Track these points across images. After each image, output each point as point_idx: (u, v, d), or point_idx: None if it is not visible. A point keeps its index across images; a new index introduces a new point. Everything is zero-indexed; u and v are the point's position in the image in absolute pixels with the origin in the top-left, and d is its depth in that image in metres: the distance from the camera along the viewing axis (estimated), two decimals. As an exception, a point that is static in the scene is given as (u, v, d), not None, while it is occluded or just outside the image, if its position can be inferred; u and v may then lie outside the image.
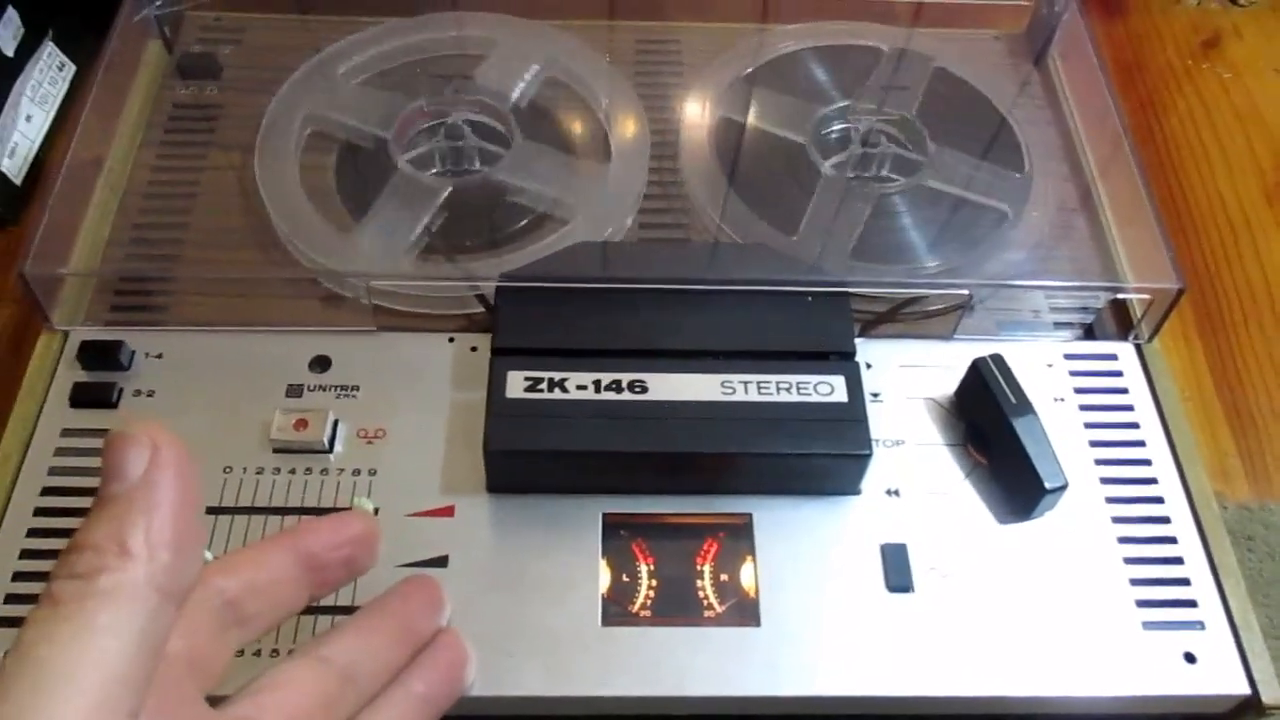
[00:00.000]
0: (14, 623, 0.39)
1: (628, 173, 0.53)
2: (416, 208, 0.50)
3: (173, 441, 0.26)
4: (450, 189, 0.51)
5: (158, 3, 0.57)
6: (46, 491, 0.42)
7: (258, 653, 0.38)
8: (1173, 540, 0.43)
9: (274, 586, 0.31)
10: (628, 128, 0.55)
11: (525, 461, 0.41)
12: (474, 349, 0.46)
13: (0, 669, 0.23)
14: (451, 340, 0.46)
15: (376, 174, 0.51)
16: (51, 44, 0.61)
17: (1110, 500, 0.44)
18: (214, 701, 0.29)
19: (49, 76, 0.61)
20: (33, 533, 0.41)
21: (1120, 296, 0.49)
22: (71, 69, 0.63)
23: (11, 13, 0.58)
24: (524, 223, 0.51)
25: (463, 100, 0.54)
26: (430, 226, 0.50)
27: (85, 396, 0.44)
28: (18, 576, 0.40)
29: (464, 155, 0.53)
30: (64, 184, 0.48)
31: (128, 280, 0.49)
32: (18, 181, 0.58)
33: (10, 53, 0.58)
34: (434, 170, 0.53)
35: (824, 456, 0.41)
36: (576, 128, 0.56)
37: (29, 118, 0.59)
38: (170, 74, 0.57)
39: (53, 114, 0.61)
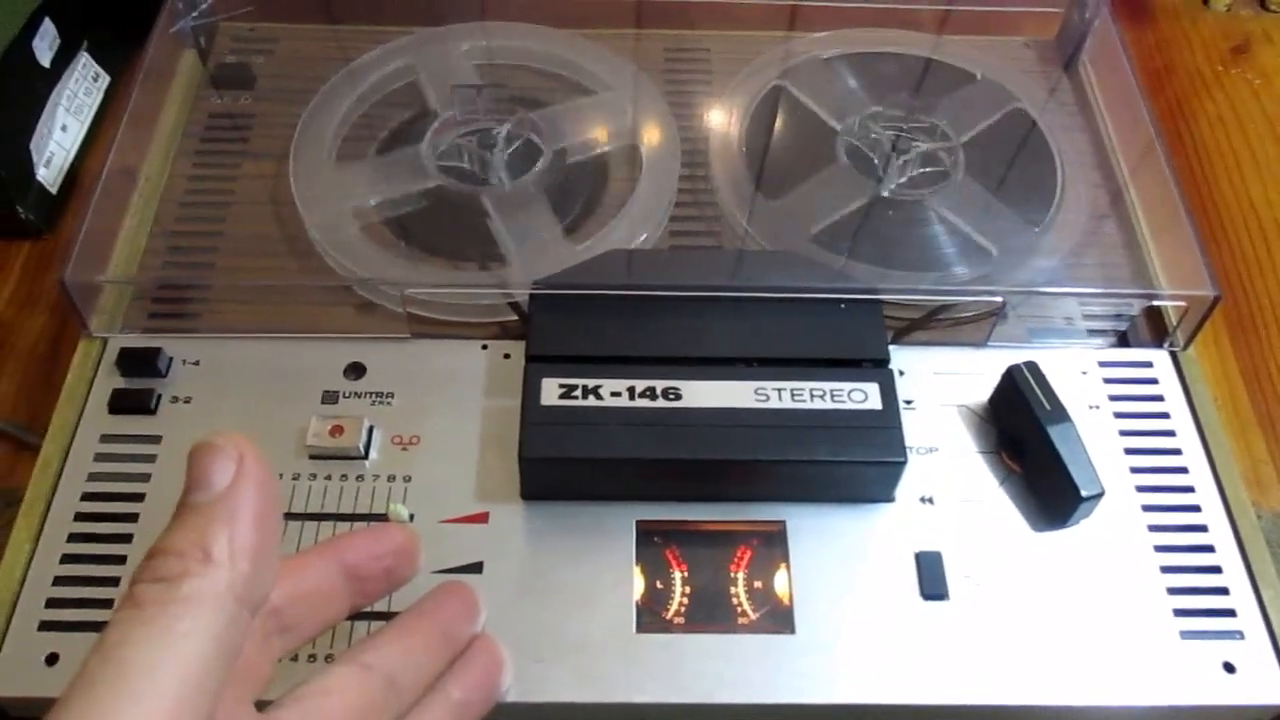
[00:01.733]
0: (57, 626, 0.39)
1: (658, 180, 0.53)
2: (537, 206, 0.51)
3: (257, 454, 0.27)
4: (437, 184, 0.51)
5: (193, 14, 0.58)
6: (87, 497, 0.42)
7: (294, 658, 0.39)
8: (1210, 549, 0.43)
9: (317, 596, 0.32)
10: (657, 136, 0.55)
11: (560, 468, 0.41)
12: (507, 356, 0.46)
13: (83, 667, 0.24)
14: (485, 347, 0.47)
15: (454, 212, 0.51)
16: (86, 55, 0.62)
17: (1146, 508, 0.43)
18: (258, 706, 0.29)
19: (84, 87, 0.62)
20: (73, 537, 0.41)
21: (1155, 303, 0.49)
22: (106, 79, 0.64)
23: (48, 24, 0.59)
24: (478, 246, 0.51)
25: (493, 110, 0.55)
26: (397, 204, 0.51)
27: (124, 403, 0.44)
28: (59, 581, 0.40)
29: (492, 166, 0.53)
30: (102, 193, 0.48)
31: (165, 288, 0.49)
32: (53, 191, 0.58)
33: (46, 63, 0.59)
34: (451, 170, 0.53)
35: (858, 464, 0.41)
36: (605, 136, 0.56)
37: (64, 127, 0.60)
38: (205, 84, 0.58)
39: (87, 124, 0.62)
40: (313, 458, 0.43)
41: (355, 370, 0.46)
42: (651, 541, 0.42)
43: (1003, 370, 0.44)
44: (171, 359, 0.46)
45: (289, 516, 0.42)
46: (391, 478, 0.43)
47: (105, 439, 0.44)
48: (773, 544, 0.42)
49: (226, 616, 0.25)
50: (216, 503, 0.26)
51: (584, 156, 0.54)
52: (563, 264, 0.47)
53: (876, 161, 0.54)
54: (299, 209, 0.50)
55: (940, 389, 0.46)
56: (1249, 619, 0.41)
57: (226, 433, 0.27)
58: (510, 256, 0.49)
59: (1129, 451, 0.45)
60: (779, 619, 0.40)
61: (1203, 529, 0.43)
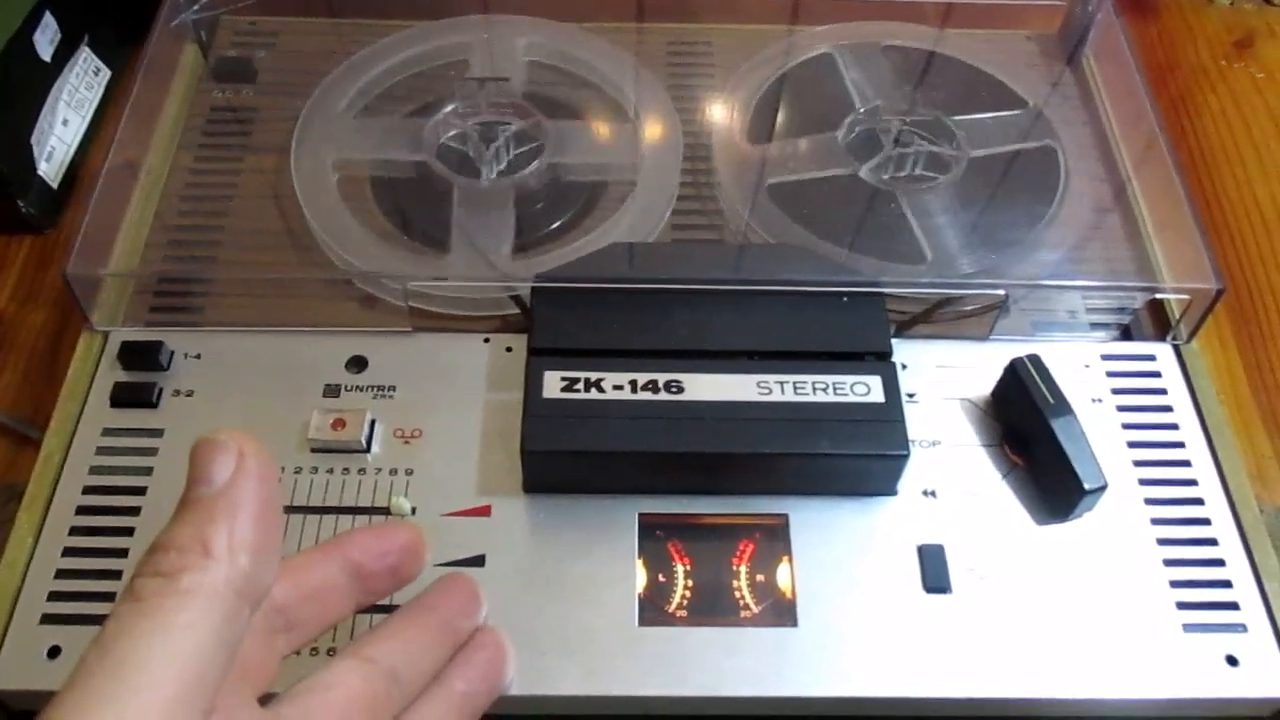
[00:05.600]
0: (60, 619, 0.39)
1: (660, 174, 0.53)
2: (498, 214, 0.50)
3: (258, 451, 0.28)
4: (513, 187, 0.51)
5: (194, 8, 0.58)
6: (89, 490, 0.42)
7: (297, 651, 0.39)
8: (1213, 542, 0.43)
9: (322, 594, 0.32)
10: (659, 129, 0.55)
11: (562, 461, 0.41)
12: (509, 350, 0.46)
13: (81, 660, 0.24)
14: (487, 341, 0.47)
15: (430, 193, 0.52)
16: (87, 49, 0.62)
17: (1149, 502, 0.43)
18: (261, 701, 0.29)
19: (85, 81, 0.62)
20: (75, 531, 0.41)
21: (1158, 297, 0.48)
22: (107, 74, 0.64)
23: (49, 18, 0.59)
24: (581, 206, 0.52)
25: (495, 103, 0.55)
26: (379, 166, 0.51)
27: (126, 396, 0.44)
28: (61, 574, 0.40)
29: (485, 159, 0.52)
30: (103, 186, 0.48)
31: (166, 281, 0.49)
32: (54, 185, 0.58)
33: (47, 58, 0.59)
34: (470, 173, 0.53)
35: (861, 457, 0.41)
36: (607, 130, 0.56)
37: (65, 122, 0.60)
38: (206, 78, 0.58)
39: (89, 118, 0.62)
40: (314, 451, 0.43)
41: (357, 364, 0.46)
42: (654, 535, 0.42)
43: (1005, 364, 0.44)
44: (173, 352, 0.46)
45: (291, 510, 0.42)
46: (393, 471, 0.43)
47: (107, 433, 0.44)
48: (775, 537, 0.42)
49: (225, 611, 0.25)
50: (217, 498, 0.27)
51: (577, 178, 0.53)
52: (432, 272, 0.47)
53: (879, 154, 0.54)
54: (301, 203, 0.50)
55: (943, 382, 0.46)
56: (1252, 612, 0.41)
57: (228, 429, 0.28)
58: (453, 248, 0.49)
59: (1132, 445, 0.45)
60: (781, 612, 0.40)
61: (1206, 522, 0.43)
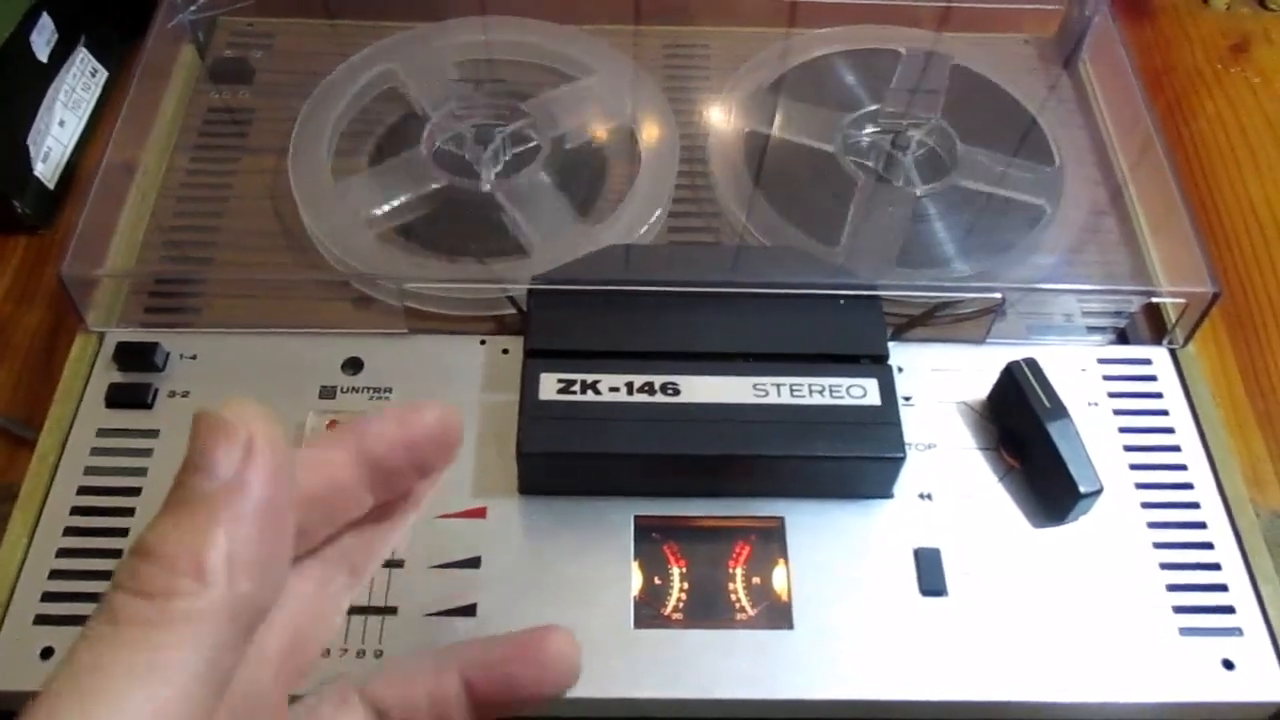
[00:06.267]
0: (51, 620, 0.39)
1: (657, 176, 0.53)
2: (548, 194, 0.51)
3: (270, 434, 0.22)
4: (443, 184, 0.51)
5: (191, 8, 0.58)
6: (83, 491, 0.42)
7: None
8: (1209, 546, 0.43)
9: (332, 497, 0.26)
10: (656, 131, 0.55)
11: (557, 463, 0.41)
12: (505, 351, 0.46)
13: (48, 684, 0.20)
14: (483, 342, 0.47)
15: (398, 145, 0.53)
16: (84, 50, 0.62)
17: (1145, 505, 0.43)
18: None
19: (82, 82, 0.62)
20: (69, 531, 0.41)
21: (1154, 300, 0.48)
22: (104, 75, 0.63)
23: (46, 19, 0.59)
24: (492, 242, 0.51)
25: (493, 105, 0.55)
26: (404, 209, 0.51)
27: (121, 397, 0.44)
28: (54, 575, 0.40)
29: (492, 160, 0.53)
30: (100, 187, 0.48)
31: (162, 282, 0.49)
32: (50, 186, 0.58)
33: (44, 58, 0.59)
34: (451, 168, 0.53)
35: (857, 459, 0.41)
36: (604, 133, 0.56)
37: (62, 123, 0.60)
38: (203, 79, 0.58)
39: (85, 119, 0.62)
40: (310, 452, 0.43)
41: (353, 365, 0.46)
42: (650, 537, 0.42)
43: (1002, 367, 0.44)
44: (169, 353, 0.46)
45: (285, 511, 0.42)
46: (389, 473, 0.43)
47: (102, 433, 0.44)
48: (771, 540, 0.42)
49: (217, 642, 0.21)
50: (216, 496, 0.22)
51: (580, 142, 0.54)
52: (584, 249, 0.47)
53: (876, 158, 0.54)
54: (298, 204, 0.50)
55: (939, 385, 0.46)
56: (1248, 616, 0.41)
57: (238, 400, 0.22)
58: (531, 248, 0.49)
59: (1128, 449, 0.45)
60: (777, 615, 0.40)
61: (1201, 526, 0.43)
